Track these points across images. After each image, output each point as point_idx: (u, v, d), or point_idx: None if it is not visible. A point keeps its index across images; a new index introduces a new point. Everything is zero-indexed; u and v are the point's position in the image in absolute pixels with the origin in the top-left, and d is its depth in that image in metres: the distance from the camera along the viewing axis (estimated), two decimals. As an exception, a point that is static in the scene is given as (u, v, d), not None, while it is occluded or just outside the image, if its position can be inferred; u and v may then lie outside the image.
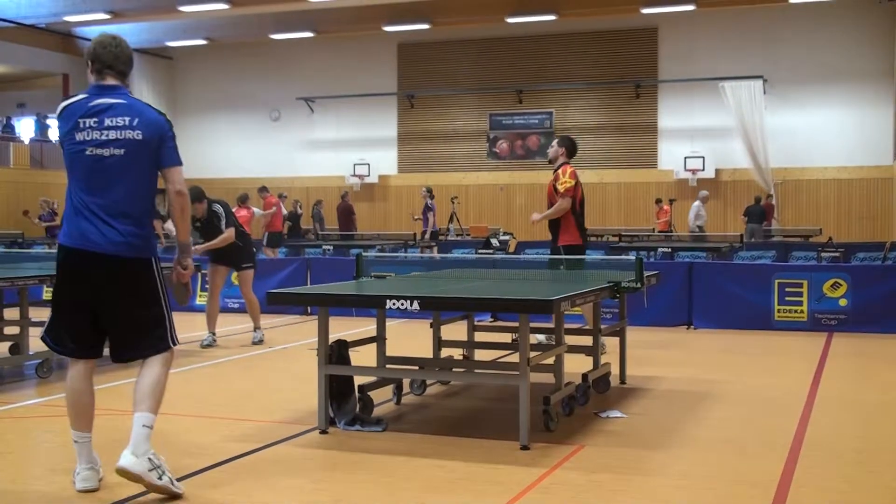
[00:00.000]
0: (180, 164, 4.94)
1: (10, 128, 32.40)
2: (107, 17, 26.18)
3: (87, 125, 4.78)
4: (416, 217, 21.65)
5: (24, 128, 33.83)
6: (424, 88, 29.55)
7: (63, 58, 30.79)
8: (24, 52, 29.63)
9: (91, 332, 4.86)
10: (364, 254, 7.79)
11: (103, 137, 4.77)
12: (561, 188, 9.55)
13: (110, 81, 4.90)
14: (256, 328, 10.85)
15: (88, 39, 30.71)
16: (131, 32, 28.41)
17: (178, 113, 31.76)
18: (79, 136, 4.79)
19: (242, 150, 30.91)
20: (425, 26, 27.21)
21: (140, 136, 4.79)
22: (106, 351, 4.96)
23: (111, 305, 4.82)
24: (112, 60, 4.89)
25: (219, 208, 10.60)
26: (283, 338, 11.11)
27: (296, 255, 16.87)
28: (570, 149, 9.86)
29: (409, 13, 26.35)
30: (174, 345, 4.98)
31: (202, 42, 29.66)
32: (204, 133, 31.24)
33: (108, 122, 4.78)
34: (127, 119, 4.79)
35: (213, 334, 10.59)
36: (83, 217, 4.77)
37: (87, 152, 4.77)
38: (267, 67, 30.89)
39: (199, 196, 10.47)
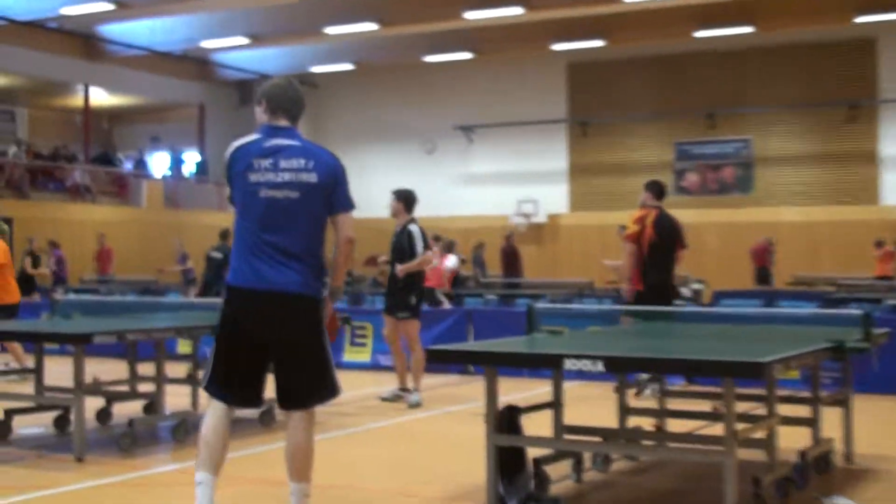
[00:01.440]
0: (353, 208, 5.39)
1: (142, 164, 33.35)
2: (246, 41, 27.18)
3: (262, 166, 5.22)
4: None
5: (157, 163, 35.12)
6: (599, 115, 29.52)
7: (199, 87, 31.96)
8: (157, 81, 30.85)
9: (258, 376, 5.24)
10: (535, 304, 7.74)
11: (278, 179, 5.19)
12: (624, 233, 10.64)
13: (283, 122, 5.39)
14: (414, 389, 10.86)
15: (227, 66, 32.09)
16: (272, 58, 29.52)
17: (322, 145, 32.66)
18: (253, 178, 5.20)
19: (392, 186, 31.13)
20: (600, 43, 27.22)
21: (315, 180, 5.24)
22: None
23: (288, 344, 5.17)
24: (289, 104, 5.43)
25: (416, 229, 10.84)
26: (442, 400, 11.13)
27: (455, 306, 16.87)
28: (657, 192, 10.70)
29: (581, 29, 26.41)
30: (339, 392, 5.34)
31: (349, 66, 30.49)
32: (350, 167, 30.85)
33: (283, 163, 5.21)
34: (302, 161, 5.24)
35: (402, 389, 10.97)
36: (258, 257, 5.16)
37: (261, 193, 5.18)
38: (420, 93, 31.49)
39: (410, 203, 10.96)
